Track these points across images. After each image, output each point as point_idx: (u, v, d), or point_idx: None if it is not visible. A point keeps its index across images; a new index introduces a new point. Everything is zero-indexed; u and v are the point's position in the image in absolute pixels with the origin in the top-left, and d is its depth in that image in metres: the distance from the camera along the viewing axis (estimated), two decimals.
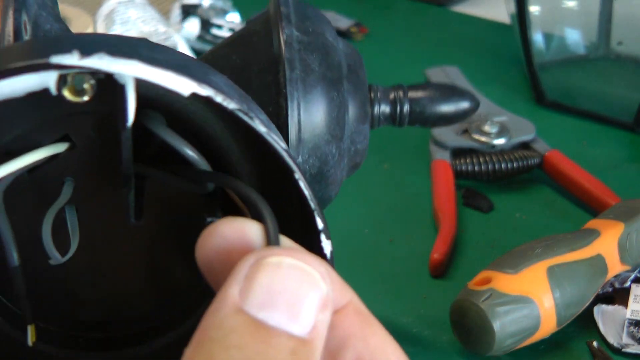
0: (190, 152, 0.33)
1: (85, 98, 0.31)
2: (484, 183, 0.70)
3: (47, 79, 0.30)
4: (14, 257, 0.32)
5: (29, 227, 0.34)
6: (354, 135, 0.44)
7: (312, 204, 0.32)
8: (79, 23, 0.91)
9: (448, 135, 0.71)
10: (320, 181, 0.43)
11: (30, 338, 0.35)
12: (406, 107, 0.46)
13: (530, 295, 0.50)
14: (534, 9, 0.83)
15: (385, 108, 0.46)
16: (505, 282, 0.50)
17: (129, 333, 0.38)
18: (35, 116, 0.33)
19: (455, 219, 0.63)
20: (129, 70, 0.29)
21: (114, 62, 0.28)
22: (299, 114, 0.42)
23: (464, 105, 0.47)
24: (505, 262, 0.52)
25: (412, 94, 0.47)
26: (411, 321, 0.55)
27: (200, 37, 0.90)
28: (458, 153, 0.70)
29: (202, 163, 0.33)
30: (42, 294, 0.37)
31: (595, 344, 0.53)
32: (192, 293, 0.38)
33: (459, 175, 0.69)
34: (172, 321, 0.39)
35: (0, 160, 0.32)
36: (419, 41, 0.99)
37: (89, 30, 0.90)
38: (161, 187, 0.36)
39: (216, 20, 0.92)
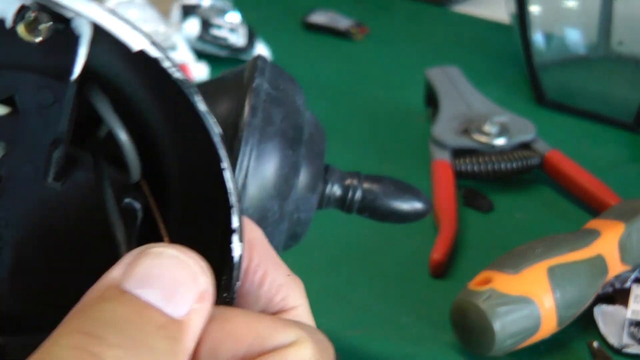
0: (124, 137, 0.33)
1: (38, 39, 0.30)
2: (484, 183, 0.70)
3: (7, 7, 0.29)
4: None
5: None
6: (300, 202, 0.44)
7: (233, 199, 0.32)
8: None
9: (448, 135, 0.71)
10: None
11: None
12: (358, 194, 0.46)
13: (530, 296, 0.50)
14: (534, 9, 0.83)
15: (337, 190, 0.46)
16: (506, 282, 0.50)
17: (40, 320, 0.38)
18: None
19: (455, 219, 0.63)
20: (89, 11, 0.29)
21: (77, 1, 0.29)
22: (249, 160, 0.42)
23: (416, 205, 0.47)
24: (505, 262, 0.52)
25: (367, 184, 0.46)
26: (411, 321, 0.55)
27: (200, 37, 0.90)
28: (458, 153, 0.70)
29: (131, 150, 0.33)
30: None
31: (595, 344, 0.53)
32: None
33: (459, 175, 0.69)
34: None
35: None
36: (419, 41, 0.99)
37: None
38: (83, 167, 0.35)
39: (216, 20, 0.92)
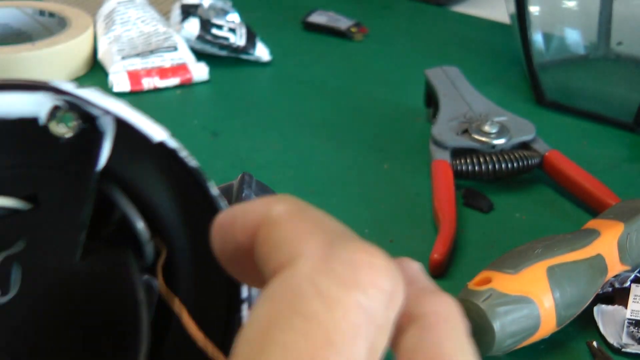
0: (141, 227, 0.36)
1: (68, 135, 0.34)
2: (484, 183, 0.70)
3: (40, 109, 0.34)
4: None
5: None
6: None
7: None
8: (79, 23, 0.91)
9: (448, 135, 0.71)
10: None
11: None
12: None
13: (530, 296, 0.50)
14: (534, 9, 0.83)
15: None
16: (505, 282, 0.51)
17: None
18: (12, 153, 0.35)
19: (455, 219, 0.63)
20: (115, 107, 0.33)
21: (104, 98, 0.33)
22: None
23: None
24: (505, 262, 0.52)
25: None
26: None
27: (200, 37, 0.91)
28: (458, 153, 0.70)
29: (147, 238, 0.36)
30: None
31: (595, 344, 0.53)
32: None
33: (459, 175, 0.69)
34: None
35: None
36: (419, 41, 0.99)
37: (89, 30, 0.90)
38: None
39: (216, 20, 0.92)
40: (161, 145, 0.35)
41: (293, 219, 0.25)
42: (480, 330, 0.50)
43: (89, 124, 0.34)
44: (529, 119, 0.73)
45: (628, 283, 0.56)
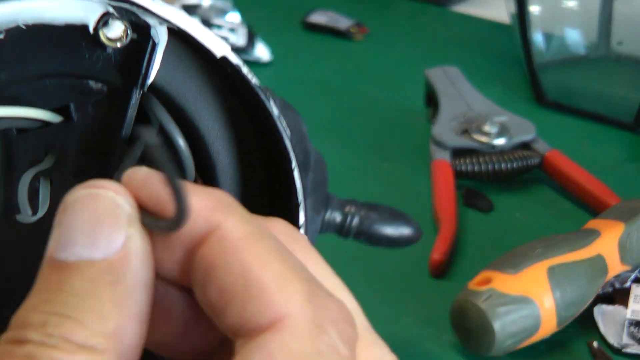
0: (182, 143, 0.34)
1: (118, 44, 0.32)
2: (484, 183, 0.70)
3: (90, 15, 0.31)
4: None
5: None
6: (307, 223, 0.45)
7: (300, 197, 0.33)
8: None
9: (448, 135, 0.71)
10: None
11: None
12: (355, 221, 0.48)
13: (530, 296, 0.50)
14: (534, 9, 0.83)
15: (337, 216, 0.47)
16: (506, 282, 0.50)
17: None
18: (56, 60, 0.33)
19: (455, 219, 0.63)
20: (174, 16, 0.30)
21: (164, 6, 0.30)
22: None
23: (408, 231, 0.48)
24: (505, 262, 0.52)
25: (364, 212, 0.48)
26: (411, 321, 0.55)
27: None
28: (458, 153, 0.70)
29: (188, 156, 0.34)
30: None
31: (595, 344, 0.53)
32: None
33: (459, 175, 0.69)
34: None
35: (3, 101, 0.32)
36: (419, 41, 0.99)
37: None
38: None
39: (216, 20, 0.92)
40: (223, 60, 0.32)
41: (256, 246, 0.24)
42: (480, 331, 0.50)
43: (139, 33, 0.32)
44: (529, 119, 0.73)
45: (628, 283, 0.56)
